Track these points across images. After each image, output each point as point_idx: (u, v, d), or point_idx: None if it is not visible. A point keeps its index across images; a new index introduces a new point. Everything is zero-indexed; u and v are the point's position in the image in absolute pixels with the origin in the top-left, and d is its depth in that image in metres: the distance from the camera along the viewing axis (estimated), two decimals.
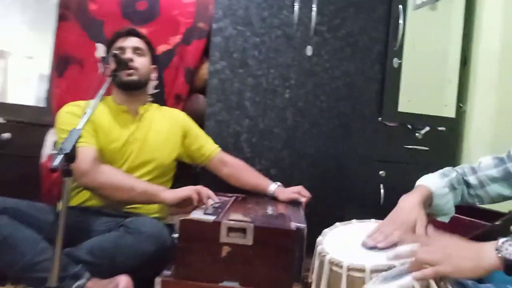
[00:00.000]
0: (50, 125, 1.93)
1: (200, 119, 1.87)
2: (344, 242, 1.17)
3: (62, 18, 1.87)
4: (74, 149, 1.10)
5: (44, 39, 2.44)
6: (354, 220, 1.29)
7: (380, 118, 1.99)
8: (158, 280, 1.16)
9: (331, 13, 1.94)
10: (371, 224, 1.24)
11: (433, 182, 1.20)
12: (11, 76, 2.52)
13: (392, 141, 2.00)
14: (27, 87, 2.47)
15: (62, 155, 1.06)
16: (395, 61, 1.99)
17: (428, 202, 1.18)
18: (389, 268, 0.96)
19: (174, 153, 1.72)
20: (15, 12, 2.47)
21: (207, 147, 1.77)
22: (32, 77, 2.48)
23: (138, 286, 1.32)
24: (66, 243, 1.16)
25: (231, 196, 1.62)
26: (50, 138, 1.88)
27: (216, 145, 1.79)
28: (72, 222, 1.21)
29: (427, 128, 2.05)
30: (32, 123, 2.08)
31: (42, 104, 2.33)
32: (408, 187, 1.19)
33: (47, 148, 1.86)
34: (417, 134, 2.04)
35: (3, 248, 1.31)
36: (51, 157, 1.77)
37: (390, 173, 1.98)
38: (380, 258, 1.03)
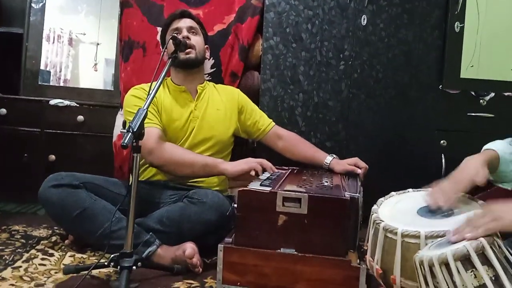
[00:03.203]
0: (119, 106, 2.08)
1: (255, 95, 1.93)
2: (398, 210, 1.17)
3: (124, 5, 1.99)
4: (141, 127, 1.19)
5: (109, 26, 2.60)
6: (409, 189, 1.29)
7: (440, 86, 1.91)
8: (220, 247, 1.24)
9: None
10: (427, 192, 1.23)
11: (501, 147, 1.16)
12: (81, 62, 2.72)
13: (454, 109, 1.93)
14: (95, 73, 2.66)
15: (131, 133, 1.17)
16: (457, 25, 1.89)
17: (494, 165, 1.15)
18: (444, 234, 0.96)
19: (231, 128, 1.79)
20: (82, 2, 2.65)
21: (262, 121, 1.82)
22: (99, 62, 2.66)
23: (203, 251, 1.43)
24: (137, 213, 1.28)
25: (287, 169, 1.66)
26: (119, 118, 2.04)
27: (271, 120, 1.84)
28: (141, 195, 1.33)
29: (492, 94, 1.94)
30: (102, 105, 2.26)
31: (110, 87, 2.51)
32: None
33: (117, 128, 2.02)
34: (481, 100, 1.94)
35: (83, 218, 1.46)
36: (121, 135, 1.91)
37: (452, 142, 1.91)
38: (437, 225, 1.03)
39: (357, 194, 1.26)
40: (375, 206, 1.21)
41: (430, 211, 1.11)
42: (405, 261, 1.02)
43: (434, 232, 1.00)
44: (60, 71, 2.63)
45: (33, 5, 2.44)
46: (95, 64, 2.65)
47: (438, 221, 1.07)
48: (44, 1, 2.48)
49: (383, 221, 1.11)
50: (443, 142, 1.93)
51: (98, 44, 2.69)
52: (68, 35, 2.66)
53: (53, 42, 2.58)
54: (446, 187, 1.13)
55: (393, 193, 1.28)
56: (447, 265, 0.83)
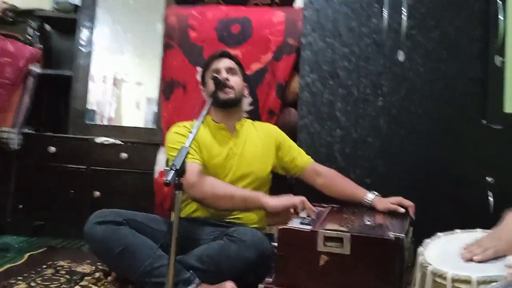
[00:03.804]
0: (160, 144, 2.15)
1: (292, 132, 1.94)
2: (447, 253, 1.13)
3: (166, 47, 2.09)
4: (183, 165, 1.22)
5: (151, 66, 2.73)
6: (457, 230, 1.24)
7: (484, 121, 1.86)
8: (261, 287, 1.22)
9: (422, 16, 1.88)
10: (477, 234, 1.19)
11: None
12: (124, 101, 2.85)
13: (500, 145, 1.85)
14: (138, 111, 2.77)
15: (174, 171, 1.20)
16: (497, 59, 1.85)
17: None
18: (499, 279, 0.91)
19: (269, 165, 1.80)
20: (126, 43, 2.80)
21: (300, 158, 1.82)
22: (141, 101, 2.77)
23: None
24: (178, 251, 1.29)
25: (326, 207, 1.64)
26: (161, 155, 2.10)
27: (309, 156, 1.83)
28: (181, 231, 1.33)
29: None
30: (144, 143, 2.34)
31: (151, 125, 2.60)
32: None
33: (159, 165, 2.08)
34: None
35: (125, 255, 1.49)
36: (163, 172, 1.96)
37: (499, 179, 1.83)
38: (488, 269, 0.98)
39: (402, 234, 1.22)
40: (421, 248, 1.17)
41: None
42: None
43: (486, 277, 0.95)
44: (105, 110, 2.76)
45: (81, 48, 2.60)
46: (138, 103, 2.77)
47: (490, 265, 1.02)
48: (91, 45, 2.64)
49: (430, 264, 1.07)
50: (490, 180, 1.85)
51: (140, 84, 2.81)
52: (112, 76, 2.80)
53: (99, 86, 2.72)
54: (486, 243, 1.07)
55: (439, 234, 1.23)
56: None
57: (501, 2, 1.82)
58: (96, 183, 2.29)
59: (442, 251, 1.14)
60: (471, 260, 1.04)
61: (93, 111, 2.70)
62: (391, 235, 1.21)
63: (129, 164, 2.29)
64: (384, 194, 1.73)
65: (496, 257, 1.02)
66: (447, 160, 1.86)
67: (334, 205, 1.67)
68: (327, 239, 1.21)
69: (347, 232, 1.21)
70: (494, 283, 0.91)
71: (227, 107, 1.75)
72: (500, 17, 1.82)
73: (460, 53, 1.87)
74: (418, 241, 1.26)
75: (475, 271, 0.98)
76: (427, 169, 1.86)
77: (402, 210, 1.60)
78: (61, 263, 1.82)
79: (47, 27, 2.76)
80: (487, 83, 1.85)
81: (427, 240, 1.19)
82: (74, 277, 1.64)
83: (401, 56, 1.88)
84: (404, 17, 1.87)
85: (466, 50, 1.87)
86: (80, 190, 2.28)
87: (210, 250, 1.49)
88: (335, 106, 1.91)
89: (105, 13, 2.73)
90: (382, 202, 1.65)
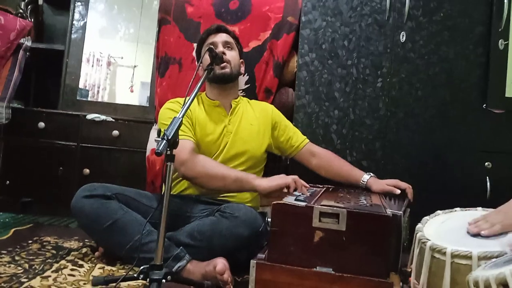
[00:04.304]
0: (153, 122, 2.10)
1: (289, 112, 1.90)
2: (446, 229, 1.10)
3: (162, 22, 2.03)
4: (176, 135, 1.18)
5: (146, 49, 2.67)
6: (457, 208, 1.21)
7: (484, 105, 1.83)
8: (253, 262, 1.18)
9: None
10: (477, 213, 1.16)
11: None
12: (118, 84, 2.80)
13: (499, 130, 1.83)
14: (131, 94, 2.72)
15: (165, 141, 1.15)
16: (501, 42, 1.82)
17: None
18: (500, 255, 0.88)
19: (264, 144, 1.75)
20: (121, 27, 2.74)
21: (295, 138, 1.78)
22: (135, 84, 2.72)
23: (234, 269, 1.37)
24: (168, 227, 1.25)
25: (321, 187, 1.61)
26: (153, 133, 2.05)
27: (305, 137, 1.80)
28: (173, 208, 1.30)
29: None
30: (137, 121, 2.29)
31: (145, 103, 2.55)
32: None
33: (151, 143, 2.03)
34: None
35: (113, 230, 1.44)
36: (154, 150, 1.91)
37: (498, 164, 1.80)
38: (489, 245, 0.95)
39: (400, 212, 1.19)
40: (419, 225, 1.14)
41: None
42: (455, 284, 0.95)
43: (487, 252, 0.92)
44: (98, 92, 2.70)
45: (75, 23, 2.53)
46: (131, 86, 2.71)
47: (491, 241, 0.99)
48: (85, 20, 2.57)
49: (429, 240, 1.04)
50: (488, 164, 1.82)
51: (135, 66, 2.76)
52: (106, 59, 2.74)
53: (92, 66, 2.67)
54: (493, 218, 1.04)
55: (439, 211, 1.20)
56: (505, 285, 0.75)
57: None
58: (86, 161, 2.23)
59: (442, 228, 1.11)
60: (478, 234, 1.01)
61: (86, 90, 2.65)
62: (388, 211, 1.17)
63: (120, 142, 2.24)
64: (381, 177, 1.70)
65: (504, 233, 0.99)
66: (446, 144, 1.83)
67: (329, 186, 1.65)
68: (323, 214, 1.17)
69: (343, 208, 1.18)
70: (495, 259, 0.88)
71: (222, 82, 1.70)
72: (505, 0, 1.79)
73: (462, 36, 1.84)
74: (413, 222, 1.22)
75: (476, 247, 0.95)
76: (425, 152, 1.83)
77: (398, 191, 1.58)
78: (48, 238, 1.77)
79: (40, 1, 2.68)
80: (489, 66, 1.82)
81: (426, 217, 1.16)
82: (60, 252, 1.59)
83: (402, 37, 1.84)
84: None
85: (468, 32, 1.84)
86: (69, 167, 2.23)
87: (202, 226, 1.45)
88: (334, 86, 1.87)
89: None
90: (378, 183, 1.63)
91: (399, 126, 1.84)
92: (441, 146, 1.83)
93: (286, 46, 1.96)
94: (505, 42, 1.81)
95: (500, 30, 1.81)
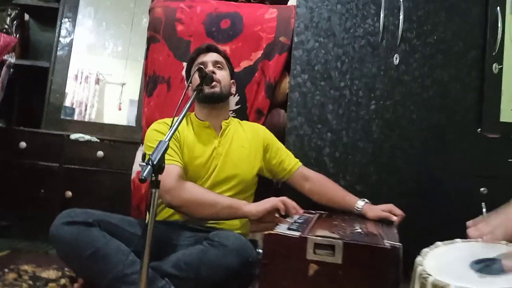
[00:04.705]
0: (140, 142, 2.02)
1: (281, 134, 1.84)
2: (448, 263, 1.03)
3: (151, 40, 1.97)
4: (161, 160, 1.11)
5: (135, 67, 2.62)
6: (457, 240, 1.15)
7: (479, 130, 1.79)
8: None
9: (419, 19, 1.82)
10: (478, 245, 1.10)
11: None
12: (106, 101, 2.73)
13: (494, 155, 1.79)
14: (119, 112, 2.65)
15: (150, 166, 1.08)
16: (495, 66, 1.80)
17: None
18: None
19: (256, 167, 1.69)
20: (110, 44, 2.69)
21: (288, 161, 1.72)
22: (124, 102, 2.66)
23: None
24: (153, 256, 1.17)
25: (314, 213, 1.55)
26: (139, 154, 1.97)
27: (297, 160, 1.74)
28: (158, 235, 1.22)
29: None
30: (123, 141, 2.22)
31: (132, 123, 2.48)
32: None
33: (137, 165, 1.95)
34: None
35: (94, 259, 1.35)
36: (140, 172, 1.83)
37: (493, 190, 1.76)
38: (494, 282, 0.89)
39: (399, 244, 1.13)
40: (419, 258, 1.07)
41: (485, 265, 0.97)
42: None
43: None
44: (86, 110, 2.63)
45: (61, 39, 2.47)
46: (120, 104, 2.65)
47: (494, 278, 0.93)
48: (72, 36, 2.51)
49: (430, 275, 0.98)
50: (484, 190, 1.78)
51: (123, 84, 2.70)
52: (95, 75, 2.68)
53: (80, 83, 2.60)
54: (495, 222, 0.99)
55: (439, 243, 1.14)
56: None
57: (499, 9, 1.78)
58: (69, 183, 2.14)
59: (443, 261, 1.05)
60: (481, 261, 0.95)
61: (72, 108, 2.57)
62: (387, 243, 1.11)
63: (105, 163, 2.16)
64: (375, 201, 1.64)
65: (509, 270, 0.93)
66: (440, 169, 1.79)
67: (323, 212, 1.58)
68: (317, 246, 1.11)
69: (339, 239, 1.11)
70: None
71: (212, 102, 1.65)
72: (499, 24, 1.78)
73: (456, 59, 1.82)
74: (411, 254, 1.17)
75: (480, 283, 0.89)
76: (420, 177, 1.79)
77: (394, 218, 1.53)
78: (25, 267, 1.67)
79: (26, 16, 2.62)
80: (484, 90, 1.79)
81: (425, 249, 1.10)
82: (38, 283, 1.50)
83: (396, 59, 1.82)
84: (400, 19, 1.80)
85: (462, 56, 1.82)
86: (51, 189, 2.13)
87: (189, 255, 1.36)
88: (326, 108, 1.82)
89: (88, 5, 2.62)
90: (373, 210, 1.57)
91: (393, 150, 1.80)
92: (436, 170, 1.79)
93: (278, 67, 1.92)
94: (499, 66, 1.80)
95: (494, 54, 1.80)
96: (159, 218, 1.59)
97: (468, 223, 1.01)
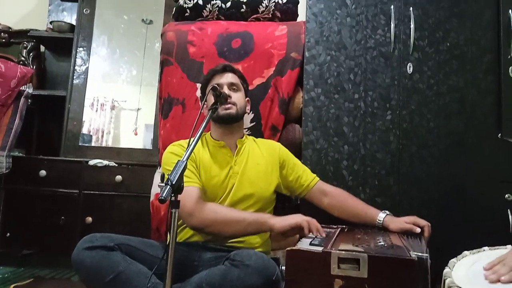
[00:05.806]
0: (157, 165, 2.03)
1: (297, 149, 1.83)
2: (477, 273, 1.00)
3: (164, 63, 2.00)
4: (180, 179, 1.11)
5: (149, 92, 2.66)
6: (485, 248, 1.12)
7: (499, 134, 1.76)
8: None
9: (430, 27, 1.81)
10: (506, 251, 1.06)
11: None
12: (122, 127, 2.77)
13: None
14: (135, 136, 2.68)
15: (169, 186, 1.08)
16: (511, 69, 1.77)
17: None
18: None
19: (273, 184, 1.68)
20: (124, 70, 2.74)
21: (305, 177, 1.70)
22: (139, 127, 2.69)
23: None
24: (175, 278, 1.16)
25: (336, 227, 1.52)
26: (157, 177, 1.98)
27: (315, 175, 1.72)
28: (179, 257, 1.21)
29: None
30: (140, 164, 2.23)
31: (148, 146, 2.50)
32: None
33: (155, 187, 1.95)
34: None
35: (117, 283, 1.34)
36: (159, 195, 1.83)
37: None
38: None
39: (425, 254, 1.09)
40: (447, 269, 1.04)
41: None
42: None
43: None
44: (102, 136, 2.67)
45: (76, 68, 2.53)
46: (135, 129, 2.68)
47: None
48: (87, 65, 2.57)
49: (460, 287, 0.94)
50: (508, 196, 1.73)
51: (138, 109, 2.74)
52: (110, 102, 2.73)
53: (96, 110, 2.65)
54: (510, 260, 0.95)
55: (466, 252, 1.11)
56: None
57: (511, 11, 1.76)
58: (89, 208, 2.16)
59: (471, 272, 1.01)
60: (498, 281, 0.92)
61: (90, 135, 2.61)
62: (413, 255, 1.08)
63: (124, 187, 2.17)
64: (397, 214, 1.61)
65: None
66: (462, 176, 1.75)
67: (344, 226, 1.55)
68: (341, 260, 1.09)
69: (363, 252, 1.08)
70: None
71: (227, 123, 1.65)
72: None
73: (471, 64, 1.80)
74: (437, 263, 1.13)
75: None
76: (441, 185, 1.75)
77: (418, 229, 1.48)
78: None
79: (42, 48, 2.70)
80: (501, 94, 1.76)
81: (453, 260, 1.07)
82: None
83: (409, 68, 1.80)
84: (412, 28, 1.80)
85: (477, 60, 1.80)
86: (72, 215, 2.15)
87: (211, 276, 1.34)
88: (342, 121, 1.81)
89: (101, 33, 2.68)
90: (396, 222, 1.53)
91: (412, 159, 1.77)
92: (458, 178, 1.75)
93: (290, 82, 1.92)
94: None
95: (509, 57, 1.77)
96: (180, 239, 1.57)
97: (485, 266, 0.98)
